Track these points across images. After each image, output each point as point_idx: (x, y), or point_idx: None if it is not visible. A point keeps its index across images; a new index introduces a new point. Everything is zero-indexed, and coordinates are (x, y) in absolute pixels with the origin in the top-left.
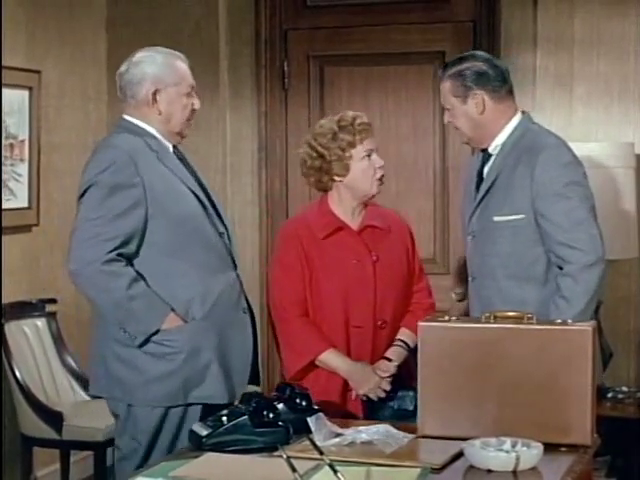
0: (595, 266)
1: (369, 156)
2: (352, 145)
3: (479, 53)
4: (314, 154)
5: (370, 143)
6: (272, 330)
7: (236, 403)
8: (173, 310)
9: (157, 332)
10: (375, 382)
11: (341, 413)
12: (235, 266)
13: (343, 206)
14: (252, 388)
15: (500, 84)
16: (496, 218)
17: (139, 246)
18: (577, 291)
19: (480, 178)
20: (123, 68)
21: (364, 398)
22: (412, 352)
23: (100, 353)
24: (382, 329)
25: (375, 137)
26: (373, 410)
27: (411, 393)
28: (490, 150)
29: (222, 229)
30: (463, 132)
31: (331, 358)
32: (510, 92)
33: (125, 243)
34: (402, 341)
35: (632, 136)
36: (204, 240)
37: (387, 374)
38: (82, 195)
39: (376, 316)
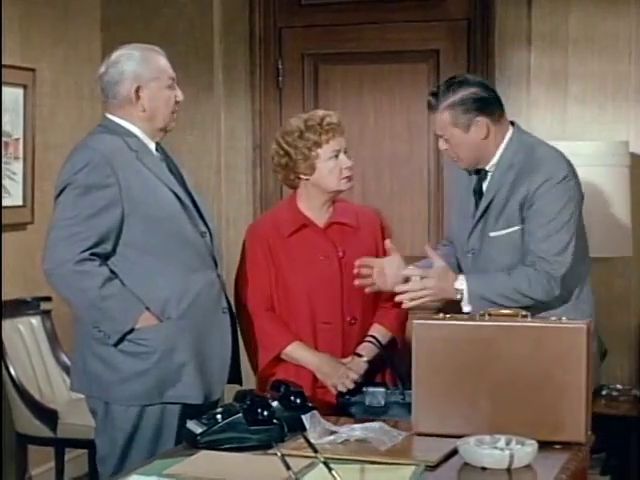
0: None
1: (336, 156)
2: (318, 145)
3: (470, 77)
4: (281, 152)
5: (337, 143)
6: (240, 326)
7: (230, 401)
8: (148, 309)
9: (132, 331)
10: (342, 372)
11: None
12: (216, 266)
13: (311, 203)
14: (234, 387)
15: (497, 107)
16: (492, 234)
17: (115, 245)
18: (527, 293)
19: (479, 195)
20: (102, 69)
21: (335, 391)
22: (383, 348)
23: (80, 350)
24: (352, 325)
25: (345, 137)
26: (344, 406)
27: (382, 389)
28: (487, 168)
29: (204, 229)
30: (462, 159)
31: (297, 351)
32: (503, 111)
33: (99, 243)
34: (373, 337)
35: (626, 134)
36: (183, 240)
37: (355, 367)
38: (58, 195)
39: (345, 312)
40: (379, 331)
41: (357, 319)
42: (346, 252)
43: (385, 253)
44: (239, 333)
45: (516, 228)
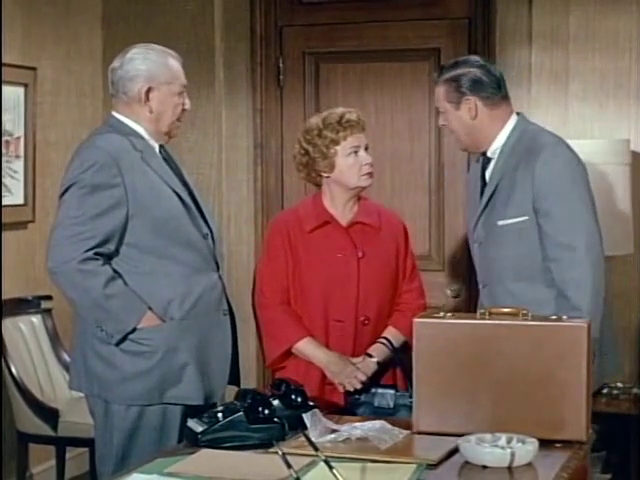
0: (595, 264)
1: (356, 153)
2: (335, 142)
3: (474, 58)
4: (302, 150)
5: (356, 140)
6: (257, 318)
7: (230, 401)
8: (151, 309)
9: (134, 330)
10: (350, 371)
11: (320, 403)
12: (218, 267)
13: (334, 201)
14: (233, 388)
15: (494, 91)
16: (500, 222)
17: (118, 246)
18: (583, 297)
19: (484, 183)
20: (116, 64)
21: (342, 390)
22: (396, 351)
23: (80, 349)
24: (365, 325)
25: (365, 133)
26: (353, 407)
27: (391, 391)
28: (489, 154)
29: (206, 230)
30: (457, 136)
31: (308, 347)
32: (505, 97)
33: (104, 242)
34: (386, 339)
35: (627, 133)
36: (186, 241)
37: (364, 367)
38: (63, 193)
39: (359, 312)
40: (392, 334)
41: (370, 320)
42: (366, 252)
43: (406, 257)
44: (238, 334)
45: (525, 218)
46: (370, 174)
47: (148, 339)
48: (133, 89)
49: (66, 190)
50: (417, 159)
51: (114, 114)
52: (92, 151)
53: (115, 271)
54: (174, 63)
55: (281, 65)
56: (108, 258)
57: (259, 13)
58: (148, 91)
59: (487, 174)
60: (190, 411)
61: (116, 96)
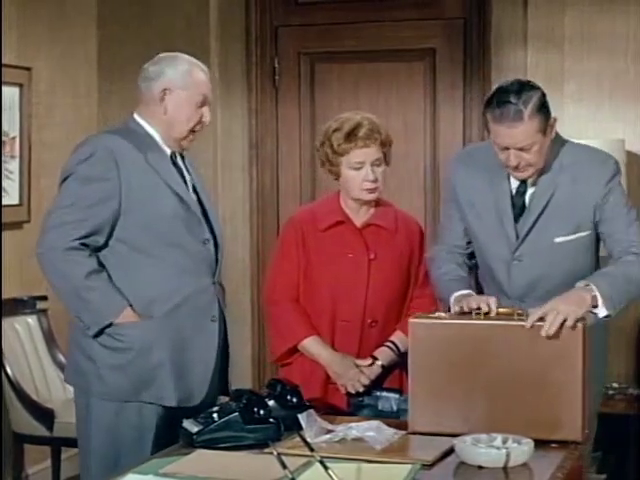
0: None
1: (359, 168)
2: (339, 154)
3: (527, 80)
4: (316, 149)
5: (362, 155)
6: (267, 316)
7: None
8: (132, 306)
9: (111, 325)
10: (353, 374)
11: (323, 403)
12: (214, 274)
13: (347, 202)
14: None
15: None
16: (558, 239)
17: (107, 239)
18: None
19: (520, 200)
20: (145, 65)
21: (344, 391)
22: (402, 356)
23: (70, 342)
24: (372, 327)
25: (378, 146)
26: (356, 409)
27: (396, 395)
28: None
29: (208, 236)
30: (535, 167)
31: (313, 345)
32: None
33: (91, 234)
34: (393, 343)
35: (622, 133)
36: (177, 243)
37: (366, 366)
38: (61, 183)
39: (366, 313)
40: (400, 338)
41: (378, 322)
42: (378, 255)
43: (420, 262)
44: (234, 335)
45: (586, 233)
46: (372, 190)
47: (123, 335)
48: (152, 88)
49: (63, 180)
50: (413, 159)
51: (134, 115)
52: (91, 144)
53: (102, 264)
54: (198, 73)
55: (276, 65)
56: (96, 251)
57: (254, 13)
58: (165, 91)
59: (527, 196)
60: (168, 414)
61: (139, 96)
